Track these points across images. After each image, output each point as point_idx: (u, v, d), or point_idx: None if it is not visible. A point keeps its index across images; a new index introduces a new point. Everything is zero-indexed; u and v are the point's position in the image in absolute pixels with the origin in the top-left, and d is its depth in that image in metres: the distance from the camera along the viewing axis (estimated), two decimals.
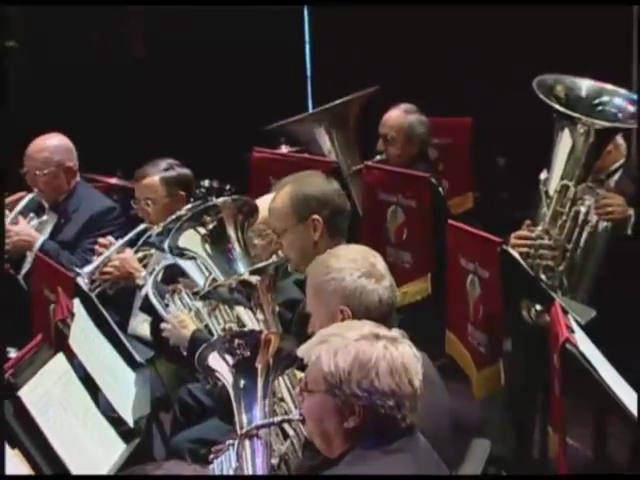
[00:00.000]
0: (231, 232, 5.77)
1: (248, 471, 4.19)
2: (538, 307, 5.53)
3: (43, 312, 5.74)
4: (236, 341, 4.38)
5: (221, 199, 5.96)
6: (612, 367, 4.81)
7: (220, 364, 4.44)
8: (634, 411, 4.64)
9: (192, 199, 6.78)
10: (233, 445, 4.17)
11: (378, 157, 7.80)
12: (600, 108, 6.21)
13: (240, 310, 5.37)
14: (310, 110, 9.13)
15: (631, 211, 6.16)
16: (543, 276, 6.05)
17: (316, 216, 5.51)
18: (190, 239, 5.76)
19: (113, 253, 6.80)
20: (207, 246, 5.74)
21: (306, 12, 11.74)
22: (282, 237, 5.62)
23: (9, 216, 7.46)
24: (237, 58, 10.87)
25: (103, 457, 4.64)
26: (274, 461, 4.48)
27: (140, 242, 6.85)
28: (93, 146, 8.11)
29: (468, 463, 4.62)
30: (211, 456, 4.45)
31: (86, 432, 4.77)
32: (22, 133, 8.51)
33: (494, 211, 7.77)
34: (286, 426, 4.50)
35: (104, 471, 4.58)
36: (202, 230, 5.76)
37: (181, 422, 6.09)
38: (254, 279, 5.30)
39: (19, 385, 4.53)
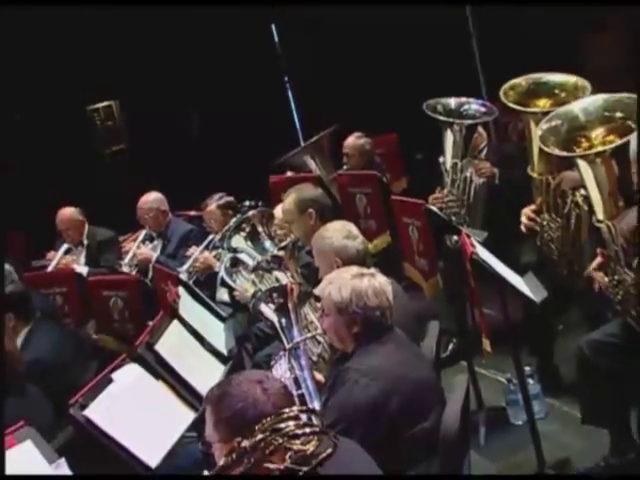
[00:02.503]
0: (260, 229, 6.59)
1: (298, 371, 4.45)
2: (454, 237, 5.82)
3: (164, 298, 6.30)
4: (273, 293, 4.77)
5: (250, 212, 6.70)
6: (501, 263, 5.47)
7: (266, 309, 4.85)
8: (520, 287, 5.39)
9: (238, 214, 7.09)
10: (284, 355, 4.55)
11: (345, 167, 8.40)
12: (465, 112, 6.94)
13: (277, 274, 6.02)
14: (302, 144, 9.52)
15: (495, 170, 7.03)
16: (453, 218, 6.70)
17: (311, 210, 6.23)
18: (237, 239, 6.59)
19: (198, 255, 7.52)
20: (248, 241, 6.54)
21: None
22: (292, 226, 6.28)
23: (134, 245, 8.18)
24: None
25: (215, 374, 5.08)
26: (314, 358, 4.87)
27: (211, 246, 7.56)
28: (172, 192, 8.64)
29: (429, 337, 4.99)
30: (272, 362, 4.74)
31: (201, 363, 5.30)
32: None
33: (418, 186, 7.99)
34: (318, 337, 4.86)
35: (217, 379, 4.84)
36: (243, 233, 6.53)
37: (256, 347, 6.50)
38: (281, 253, 6.07)
39: (154, 342, 5.09)
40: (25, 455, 3.97)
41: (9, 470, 3.90)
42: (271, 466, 2.84)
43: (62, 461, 4.03)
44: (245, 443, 2.84)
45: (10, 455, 3.96)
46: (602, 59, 8.67)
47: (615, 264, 4.90)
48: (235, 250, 6.69)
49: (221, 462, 2.90)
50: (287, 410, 2.94)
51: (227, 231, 6.84)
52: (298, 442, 2.85)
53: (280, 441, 2.84)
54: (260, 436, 2.84)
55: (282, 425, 2.87)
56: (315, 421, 3.00)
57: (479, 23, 10.16)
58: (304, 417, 2.94)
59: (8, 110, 10.48)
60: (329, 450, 2.87)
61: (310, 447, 2.85)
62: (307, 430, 2.87)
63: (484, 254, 5.43)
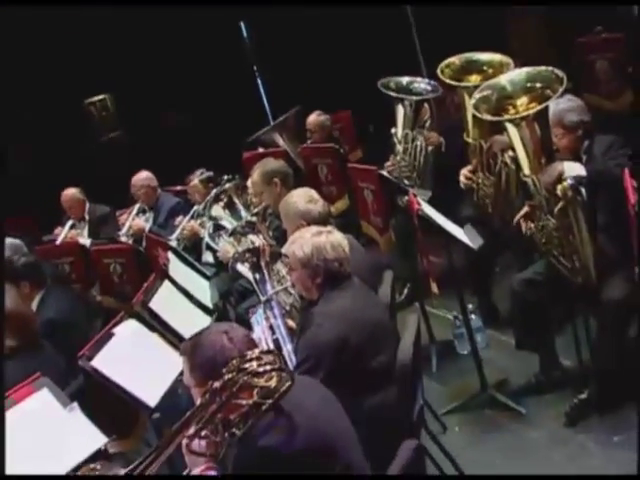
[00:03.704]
0: (236, 200, 6.61)
1: (273, 319, 4.46)
2: (405, 198, 5.68)
3: (156, 262, 6.33)
4: (247, 254, 4.74)
5: (227, 185, 6.72)
6: (444, 217, 5.56)
7: (242, 268, 4.82)
8: (460, 237, 5.48)
9: (217, 186, 7.05)
10: (261, 307, 4.56)
11: (308, 141, 8.23)
12: (414, 89, 6.93)
13: (251, 237, 6.01)
14: (271, 123, 9.37)
15: (441, 139, 6.99)
16: (405, 181, 6.75)
17: (275, 179, 6.16)
18: (216, 209, 6.60)
19: (185, 224, 7.49)
20: (225, 210, 6.56)
21: None
22: (261, 196, 6.23)
23: (129, 219, 8.14)
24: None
25: (202, 325, 4.37)
26: (287, 307, 4.79)
27: (196, 215, 7.47)
28: (160, 170, 8.58)
29: (384, 284, 4.94)
30: (250, 313, 4.80)
31: (190, 316, 5.31)
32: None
33: (371, 155, 8.11)
34: (288, 289, 4.80)
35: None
36: (221, 203, 6.56)
37: (238, 300, 6.48)
38: (254, 219, 6.08)
39: (148, 300, 5.09)
40: (42, 401, 4.00)
41: (29, 417, 3.93)
42: (240, 402, 2.88)
43: (75, 405, 4.07)
44: (216, 384, 2.87)
45: (29, 402, 3.97)
46: (522, 40, 8.67)
47: (540, 212, 5.00)
48: (215, 218, 6.69)
49: (198, 402, 2.94)
50: (250, 353, 2.98)
51: (208, 201, 6.86)
52: (262, 379, 2.89)
53: (245, 379, 2.87)
54: (228, 376, 2.87)
55: (246, 365, 2.89)
56: (275, 360, 2.97)
57: (417, 14, 10.22)
58: (265, 358, 2.95)
59: (16, 106, 10.42)
60: (288, 384, 2.90)
61: (272, 383, 2.88)
62: (268, 368, 2.90)
63: (429, 210, 5.52)
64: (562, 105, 5.06)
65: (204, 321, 5.28)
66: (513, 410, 5.38)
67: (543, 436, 5.08)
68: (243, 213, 6.64)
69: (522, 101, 4.99)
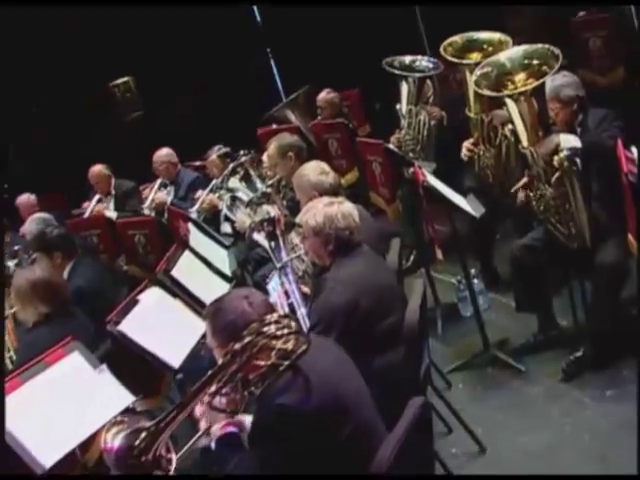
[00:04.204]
0: (251, 172, 6.64)
1: (288, 285, 4.49)
2: (410, 170, 5.65)
3: (177, 233, 6.34)
4: (263, 223, 4.78)
5: (243, 159, 6.76)
6: (448, 187, 5.55)
7: (258, 237, 4.86)
8: (463, 206, 5.49)
9: (234, 161, 7.13)
10: (276, 273, 4.61)
11: (318, 118, 8.18)
12: (417, 67, 6.81)
13: (267, 207, 6.03)
14: (284, 101, 9.40)
15: (443, 113, 6.91)
16: (410, 154, 6.71)
17: (290, 153, 6.09)
18: (233, 181, 6.64)
19: (204, 197, 7.41)
20: (242, 182, 6.59)
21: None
22: (276, 168, 6.21)
23: (151, 193, 8.15)
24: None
25: (221, 291, 4.67)
26: (300, 274, 4.81)
27: (214, 189, 7.40)
28: (180, 146, 8.55)
29: (392, 251, 4.93)
30: (267, 280, 4.84)
31: (210, 283, 5.32)
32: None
33: (378, 130, 8.04)
34: (302, 257, 4.81)
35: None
36: (237, 176, 6.60)
37: (254, 268, 6.37)
38: (269, 190, 6.12)
39: (170, 268, 5.14)
40: (73, 363, 4.02)
41: (62, 378, 3.95)
42: (259, 362, 2.90)
43: (104, 366, 4.09)
44: (237, 346, 2.89)
45: (61, 364, 3.99)
46: (519, 20, 8.60)
47: (538, 182, 5.00)
48: (232, 190, 6.66)
49: (220, 362, 2.95)
50: (268, 317, 2.98)
51: (226, 175, 6.91)
52: (280, 342, 2.91)
53: (264, 341, 2.89)
54: (248, 339, 2.89)
55: (265, 329, 2.91)
56: (292, 324, 2.99)
57: None
58: (283, 322, 2.97)
59: (48, 89, 10.43)
60: (304, 346, 2.91)
61: (289, 345, 2.90)
62: (285, 331, 2.91)
63: (433, 181, 5.50)
64: (558, 81, 5.05)
65: (223, 288, 5.26)
66: (513, 368, 5.40)
67: (541, 391, 5.10)
68: (259, 185, 6.66)
69: (520, 77, 4.97)
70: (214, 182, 7.49)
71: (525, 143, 4.90)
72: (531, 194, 5.10)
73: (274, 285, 4.63)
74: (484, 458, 4.71)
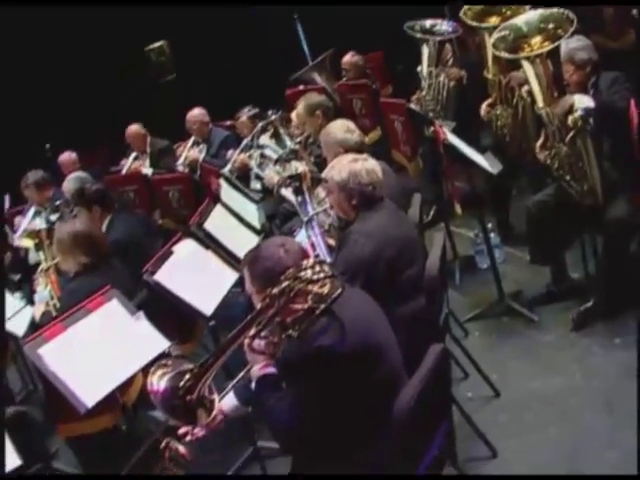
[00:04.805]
0: (281, 130, 6.58)
1: (314, 238, 4.48)
2: (431, 129, 5.66)
3: (209, 188, 6.23)
4: (291, 179, 4.79)
5: (272, 117, 6.75)
6: (467, 145, 5.49)
7: (286, 192, 5.02)
8: (481, 163, 5.42)
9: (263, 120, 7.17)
10: (303, 227, 4.60)
11: (344, 79, 7.98)
12: (437, 31, 6.82)
13: (295, 164, 5.95)
14: (310, 64, 9.09)
15: (462, 72, 6.84)
16: (430, 114, 6.56)
17: (318, 112, 6.10)
18: (263, 138, 6.62)
19: (235, 157, 7.29)
20: (272, 139, 6.59)
21: None
22: (304, 126, 6.23)
23: (185, 151, 8.11)
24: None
25: (251, 244, 4.85)
26: (326, 227, 4.68)
27: (245, 148, 7.28)
28: (212, 106, 8.52)
29: (413, 206, 4.84)
30: (294, 233, 4.82)
31: (240, 236, 5.30)
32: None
33: (400, 91, 7.76)
34: (328, 211, 4.66)
35: (251, 245, 4.63)
36: (267, 133, 6.59)
37: (282, 222, 6.39)
38: (297, 147, 6.10)
39: (203, 221, 5.13)
40: (112, 310, 4.04)
41: (101, 324, 3.98)
42: (296, 306, 2.88)
43: (141, 313, 4.09)
44: (275, 291, 2.87)
45: (100, 312, 4.00)
46: None
47: (553, 141, 4.94)
48: (262, 146, 6.64)
49: (258, 307, 2.94)
50: (304, 262, 2.96)
51: (256, 132, 6.86)
52: (316, 286, 2.89)
53: (301, 286, 2.87)
54: (285, 283, 2.87)
55: (301, 274, 2.89)
56: (327, 269, 2.98)
57: None
58: (318, 267, 2.94)
59: (88, 54, 10.36)
60: (339, 290, 2.89)
61: (325, 289, 2.89)
62: (321, 275, 2.89)
63: (453, 139, 5.46)
64: (572, 44, 5.01)
65: (252, 240, 5.27)
66: (527, 317, 5.39)
67: (553, 340, 5.09)
68: (287, 142, 6.61)
69: (536, 40, 4.90)
70: (245, 142, 7.42)
71: (541, 103, 4.84)
72: (546, 152, 5.05)
73: (301, 238, 4.59)
74: (498, 401, 4.72)
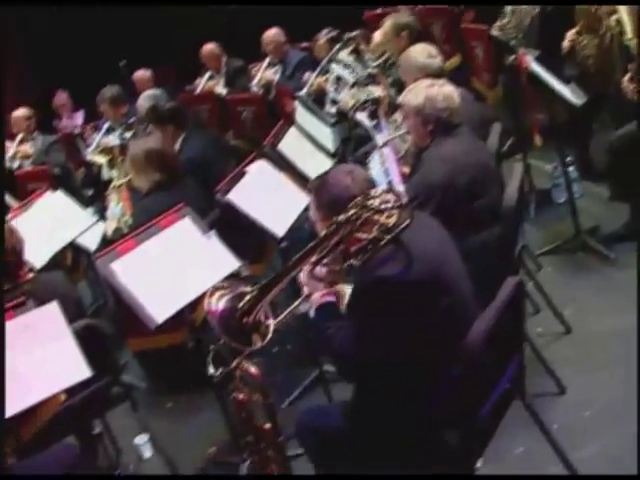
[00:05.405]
0: (363, 47, 6.53)
1: (388, 164, 4.42)
2: (512, 56, 5.52)
3: (284, 110, 6.37)
4: (367, 103, 4.84)
5: (354, 33, 6.74)
6: (549, 75, 5.31)
7: (362, 116, 4.98)
8: (564, 93, 5.24)
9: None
10: (378, 152, 4.56)
11: None
12: None
13: (372, 88, 5.81)
14: None
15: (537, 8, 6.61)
16: (513, 42, 6.36)
17: (404, 33, 5.97)
18: (342, 54, 6.59)
19: (312, 80, 7.21)
20: (351, 56, 6.52)
21: None
22: (387, 44, 6.11)
23: (260, 71, 7.98)
24: None
25: (324, 167, 4.63)
26: (402, 153, 4.65)
27: (322, 72, 7.18)
28: (289, 27, 8.38)
29: (492, 135, 4.67)
30: (368, 158, 4.69)
31: (313, 158, 5.23)
32: None
33: (483, 17, 7.23)
34: (404, 136, 4.58)
35: (325, 168, 4.33)
36: (348, 49, 6.60)
37: (356, 146, 6.12)
38: (375, 71, 6.01)
39: (277, 143, 5.11)
40: (184, 228, 4.03)
41: (173, 241, 3.96)
42: (361, 235, 2.82)
43: (212, 232, 4.08)
44: (341, 217, 2.80)
45: (173, 229, 4.00)
46: None
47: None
48: (341, 62, 6.58)
49: (322, 234, 2.88)
50: (372, 191, 2.88)
51: (336, 50, 6.81)
52: (382, 216, 2.81)
53: (367, 215, 2.79)
54: (352, 211, 2.80)
55: (369, 202, 2.80)
56: (396, 199, 2.86)
57: None
58: (387, 197, 2.84)
59: None
60: (407, 221, 2.80)
61: (392, 220, 2.80)
62: (389, 205, 2.81)
63: (536, 68, 5.30)
64: None
65: (326, 164, 5.19)
66: (602, 254, 5.28)
67: (628, 277, 4.92)
68: (367, 61, 6.49)
69: None
70: (322, 64, 7.29)
71: (629, 35, 4.78)
72: (632, 86, 4.91)
73: (375, 164, 4.55)
74: (569, 338, 4.65)
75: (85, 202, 6.48)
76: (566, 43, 5.95)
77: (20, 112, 8.35)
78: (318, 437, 3.15)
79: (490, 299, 3.01)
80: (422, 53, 4.91)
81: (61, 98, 9.68)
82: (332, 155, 5.44)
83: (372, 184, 3.08)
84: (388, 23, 6.12)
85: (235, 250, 4.05)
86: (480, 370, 2.86)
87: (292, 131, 5.35)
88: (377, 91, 5.60)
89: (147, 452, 4.66)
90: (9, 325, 3.38)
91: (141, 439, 4.65)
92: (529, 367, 3.81)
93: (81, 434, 4.21)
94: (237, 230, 4.32)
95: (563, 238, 5.53)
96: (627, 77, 4.96)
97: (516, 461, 3.77)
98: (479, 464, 3.16)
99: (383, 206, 2.79)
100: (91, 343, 3.62)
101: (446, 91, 4.09)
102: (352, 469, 3.04)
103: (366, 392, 3.04)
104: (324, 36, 7.77)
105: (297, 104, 5.91)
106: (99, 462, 4.29)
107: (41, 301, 3.54)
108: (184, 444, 4.68)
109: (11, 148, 8.16)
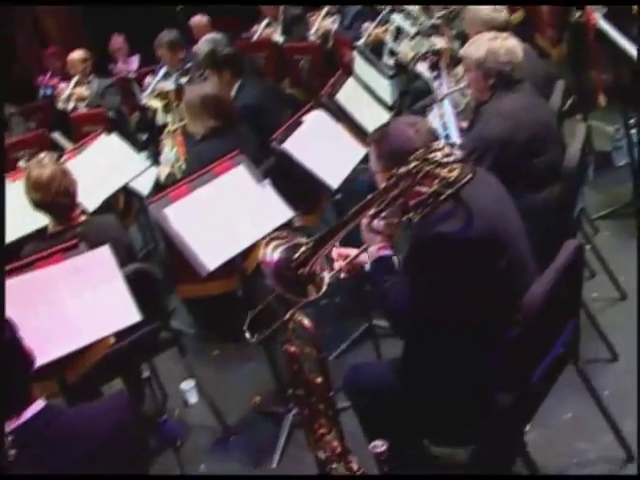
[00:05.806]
0: None
1: (446, 117, 4.36)
2: (579, 13, 5.41)
3: (342, 60, 6.28)
4: (429, 54, 4.73)
5: None
6: (617, 32, 5.05)
7: (422, 67, 4.86)
8: (633, 52, 4.97)
9: None
10: (437, 105, 4.46)
11: None
12: None
13: (434, 39, 5.55)
14: None
15: None
16: None
17: None
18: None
19: (371, 30, 7.09)
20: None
21: None
22: None
23: (318, 20, 7.79)
24: None
25: (381, 119, 4.55)
26: (461, 107, 4.58)
27: (381, 22, 7.07)
28: None
29: (555, 93, 4.63)
30: (426, 112, 4.62)
31: (371, 110, 5.14)
32: None
33: None
34: (464, 90, 4.48)
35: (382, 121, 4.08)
36: None
37: (414, 99, 5.91)
38: (439, 22, 5.88)
39: (335, 93, 5.05)
40: (238, 176, 4.01)
41: (227, 189, 3.94)
42: (421, 189, 2.74)
43: (266, 181, 4.05)
44: (402, 170, 2.72)
45: (227, 176, 3.98)
46: None
47: None
48: (403, 12, 6.48)
49: (382, 186, 2.80)
50: (435, 144, 2.79)
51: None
52: (444, 170, 2.72)
53: (429, 168, 2.70)
54: (413, 164, 2.71)
55: (431, 155, 2.71)
56: (458, 153, 2.79)
57: None
58: (449, 150, 2.75)
59: None
60: (469, 176, 2.72)
61: (454, 174, 2.71)
62: (451, 159, 2.72)
63: (604, 25, 5.10)
64: None
65: (383, 116, 5.11)
66: None
67: None
68: (432, 11, 6.31)
69: None
70: (383, 13, 7.17)
71: None
72: None
73: (433, 117, 4.46)
74: (624, 304, 4.55)
75: (139, 146, 6.51)
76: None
77: (76, 54, 8.35)
78: (367, 394, 3.12)
79: (546, 260, 2.94)
80: (488, 6, 4.78)
81: (117, 42, 9.68)
82: (389, 108, 5.36)
83: (435, 137, 3.01)
84: None
85: (288, 200, 4.03)
86: (537, 333, 2.80)
87: (350, 82, 5.27)
88: (440, 42, 5.41)
89: (193, 398, 4.71)
90: (60, 268, 3.38)
91: (187, 385, 4.69)
92: (582, 332, 3.74)
93: (129, 378, 4.24)
94: (291, 180, 4.27)
95: (622, 202, 5.39)
96: None
97: (564, 427, 3.72)
98: (527, 428, 3.13)
99: (445, 159, 2.71)
100: (141, 287, 3.63)
101: (509, 45, 3.99)
102: (400, 427, 3.00)
103: (419, 349, 3.00)
104: None
105: (355, 54, 5.83)
106: (145, 406, 4.30)
107: (93, 244, 3.55)
108: (229, 392, 4.70)
109: (67, 89, 8.17)
